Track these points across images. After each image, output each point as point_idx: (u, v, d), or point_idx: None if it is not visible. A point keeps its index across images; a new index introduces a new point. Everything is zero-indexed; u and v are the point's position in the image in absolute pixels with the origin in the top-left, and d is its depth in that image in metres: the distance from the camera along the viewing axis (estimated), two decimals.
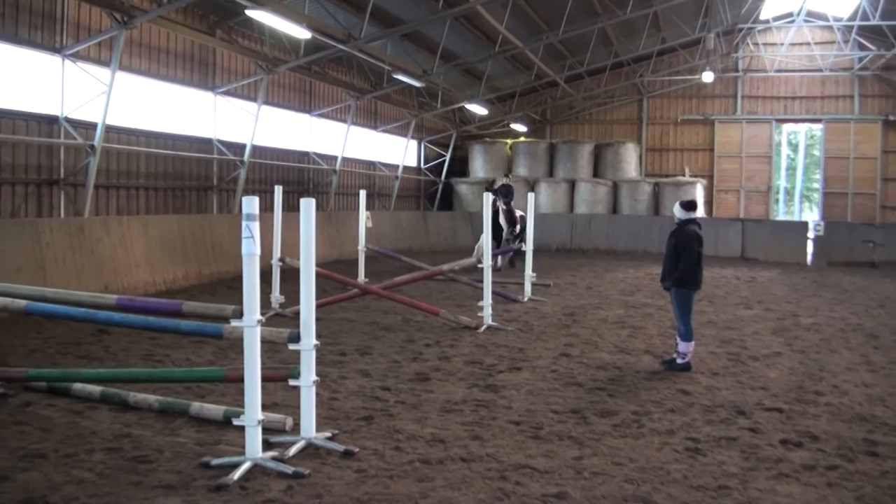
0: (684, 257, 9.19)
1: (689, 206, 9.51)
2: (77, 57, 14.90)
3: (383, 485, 5.46)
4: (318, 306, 6.26)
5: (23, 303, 7.40)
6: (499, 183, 20.63)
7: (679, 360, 9.27)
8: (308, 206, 6.02)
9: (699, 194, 30.81)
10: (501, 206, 19.62)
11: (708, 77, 29.61)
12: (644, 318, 13.09)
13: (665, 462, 6.05)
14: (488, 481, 5.57)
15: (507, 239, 19.93)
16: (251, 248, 5.54)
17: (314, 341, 5.99)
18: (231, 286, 16.00)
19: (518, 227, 19.83)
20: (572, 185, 32.62)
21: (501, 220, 19.61)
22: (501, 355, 9.93)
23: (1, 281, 8.17)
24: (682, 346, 9.26)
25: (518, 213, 20.08)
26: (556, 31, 23.87)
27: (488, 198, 13.68)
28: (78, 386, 7.57)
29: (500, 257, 18.78)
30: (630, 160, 33.34)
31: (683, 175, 33.00)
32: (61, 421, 6.89)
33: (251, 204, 5.58)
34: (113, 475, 5.59)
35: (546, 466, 5.88)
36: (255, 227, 5.54)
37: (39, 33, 14.27)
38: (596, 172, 33.31)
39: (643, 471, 5.85)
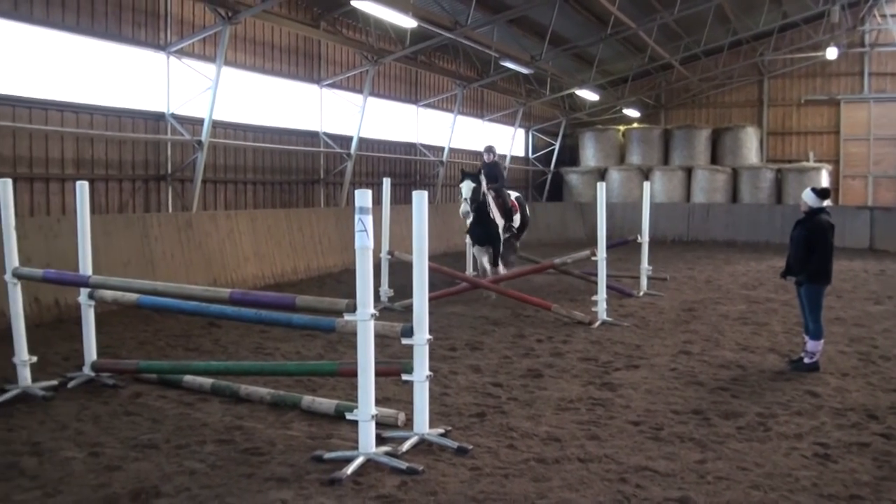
0: (818, 250, 8.67)
1: (823, 193, 8.98)
2: (182, 53, 15.22)
3: (499, 483, 5.30)
4: (428, 300, 6.12)
5: (134, 296, 7.56)
6: (484, 157, 15.23)
7: (807, 360, 8.77)
8: (420, 198, 5.88)
9: (824, 180, 29.31)
10: (490, 194, 14.03)
11: (832, 53, 28.23)
12: (768, 314, 12.51)
13: (793, 468, 5.69)
14: (607, 483, 5.35)
15: (505, 237, 14.62)
16: (364, 242, 5.46)
17: (427, 336, 5.85)
18: (339, 279, 16.14)
19: (517, 218, 15.04)
20: (689, 172, 31.58)
21: (493, 212, 13.90)
22: (617, 352, 9.63)
23: (110, 274, 8.34)
24: (812, 345, 8.75)
25: (512, 196, 15.18)
26: (670, 10, 23.08)
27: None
28: (189, 378, 7.68)
29: (491, 266, 14.01)
30: (750, 145, 32.05)
31: (807, 160, 31.49)
32: (172, 412, 7.00)
33: (364, 197, 5.49)
34: (225, 467, 5.61)
35: (667, 469, 5.61)
36: (369, 220, 5.47)
37: (144, 31, 14.62)
38: (714, 159, 32.16)
39: (770, 477, 5.51)
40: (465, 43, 20.89)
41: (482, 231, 13.72)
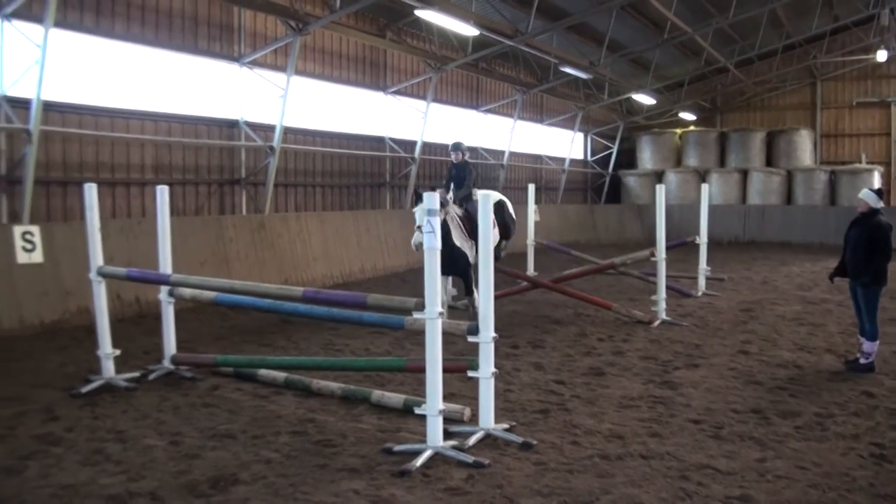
0: (880, 251, 8.64)
1: (881, 194, 8.98)
2: (254, 64, 15.73)
3: (563, 479, 5.45)
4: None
5: (211, 294, 7.90)
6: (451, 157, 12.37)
7: (863, 361, 8.76)
8: (486, 200, 6.07)
9: (876, 181, 28.90)
10: (453, 211, 11.12)
11: (882, 56, 27.77)
12: (823, 315, 12.47)
13: (850, 468, 5.75)
14: (669, 480, 5.46)
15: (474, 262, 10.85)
16: (433, 243, 5.65)
17: (492, 334, 6.03)
18: (404, 279, 16.46)
19: (496, 236, 11.39)
20: (744, 174, 31.31)
21: (458, 238, 10.95)
22: (677, 351, 9.71)
23: (187, 273, 8.72)
24: (868, 346, 8.74)
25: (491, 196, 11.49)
26: (725, 15, 22.96)
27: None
28: (263, 372, 8.02)
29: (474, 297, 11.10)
30: (804, 147, 31.73)
31: (860, 162, 31.00)
32: (248, 404, 7.31)
33: (432, 199, 5.69)
34: (299, 457, 5.86)
35: (728, 467, 5.71)
36: (437, 221, 5.65)
37: (218, 44, 15.19)
38: (768, 161, 31.90)
39: (828, 476, 5.59)
40: (525, 50, 21.04)
41: (445, 261, 10.70)
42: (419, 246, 9.55)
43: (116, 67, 13.68)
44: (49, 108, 12.08)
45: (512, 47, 20.37)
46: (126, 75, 13.83)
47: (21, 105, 11.67)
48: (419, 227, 9.85)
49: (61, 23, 12.11)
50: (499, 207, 12.07)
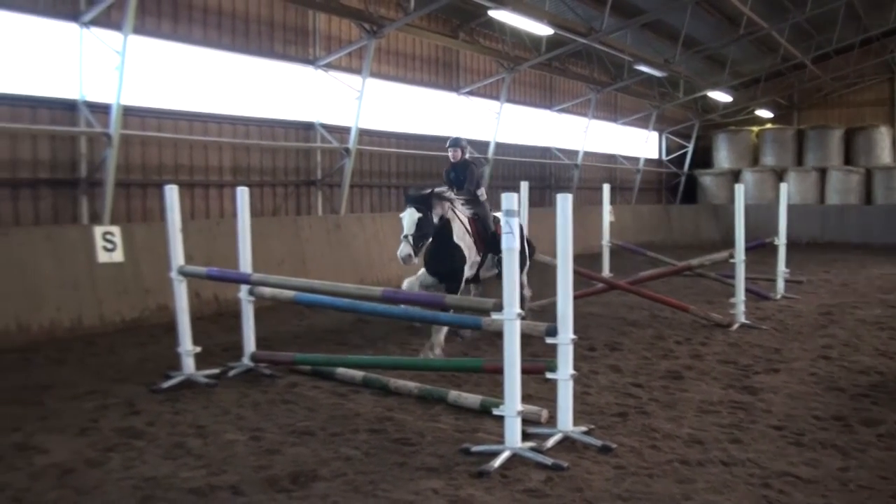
0: None
1: None
2: (329, 67, 15.92)
3: (643, 483, 5.36)
4: None
5: (290, 293, 8.00)
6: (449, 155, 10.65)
7: None
8: (564, 201, 6.00)
9: None
10: (457, 212, 9.74)
11: None
12: None
13: None
14: (750, 487, 5.33)
15: (488, 275, 10.42)
16: (511, 244, 5.61)
17: (571, 335, 5.97)
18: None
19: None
20: (822, 173, 30.48)
21: (461, 236, 9.65)
22: (756, 355, 9.48)
23: (265, 272, 8.84)
24: None
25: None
26: (802, 9, 22.48)
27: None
28: (341, 370, 8.09)
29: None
30: (883, 145, 30.80)
31: None
32: (326, 402, 7.38)
33: (511, 200, 5.65)
34: (378, 455, 5.88)
35: (810, 476, 5.54)
36: (515, 222, 5.62)
37: (294, 47, 15.45)
38: (847, 159, 30.96)
39: None
40: (599, 48, 20.86)
41: (438, 260, 9.61)
42: (406, 259, 8.87)
43: (194, 72, 13.98)
44: (128, 112, 12.41)
45: (586, 46, 20.20)
46: (204, 79, 14.13)
47: (101, 110, 12.03)
48: (406, 238, 8.92)
49: (139, 29, 12.44)
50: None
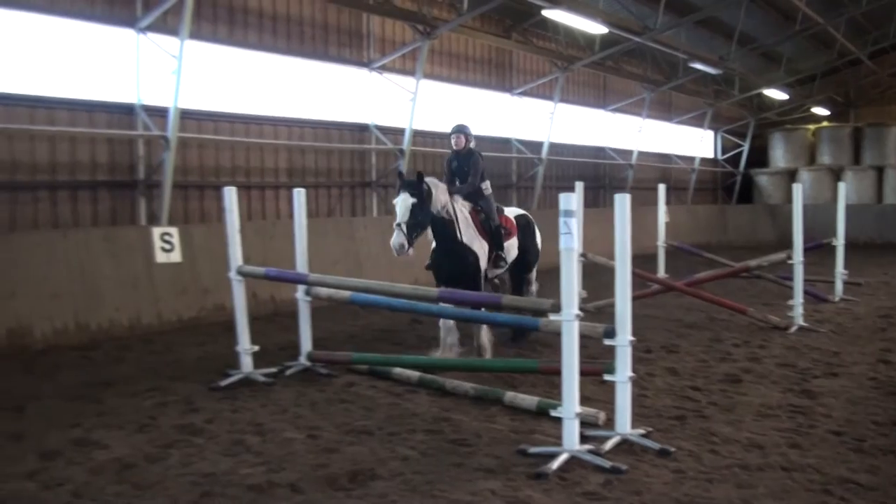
0: None
1: None
2: (383, 69, 16.01)
3: (703, 488, 5.27)
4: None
5: (346, 293, 8.04)
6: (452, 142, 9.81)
7: None
8: (622, 201, 5.95)
9: None
10: (460, 204, 9.12)
11: None
12: None
13: None
14: (811, 493, 5.21)
15: (494, 273, 9.76)
16: (569, 244, 5.57)
17: (630, 337, 5.91)
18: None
19: (513, 247, 9.94)
20: (880, 172, 29.84)
21: (467, 232, 8.98)
22: (815, 359, 9.28)
23: (320, 272, 8.90)
24: None
25: (510, 213, 10.31)
26: (857, 4, 22.02)
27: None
28: (397, 370, 8.10)
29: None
30: None
31: None
32: (383, 401, 7.40)
33: (569, 200, 5.61)
34: (435, 455, 5.88)
35: (871, 483, 5.40)
36: (573, 223, 5.57)
37: (348, 50, 15.56)
38: None
39: None
40: (653, 46, 20.67)
41: (450, 264, 8.94)
42: (400, 249, 8.17)
43: (250, 75, 14.16)
44: (186, 115, 12.61)
45: (639, 44, 20.04)
46: (259, 83, 14.30)
47: (158, 113, 12.25)
48: (399, 226, 8.23)
49: (196, 34, 12.66)
50: (528, 230, 10.35)
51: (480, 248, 9.07)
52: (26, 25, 11.43)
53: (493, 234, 9.39)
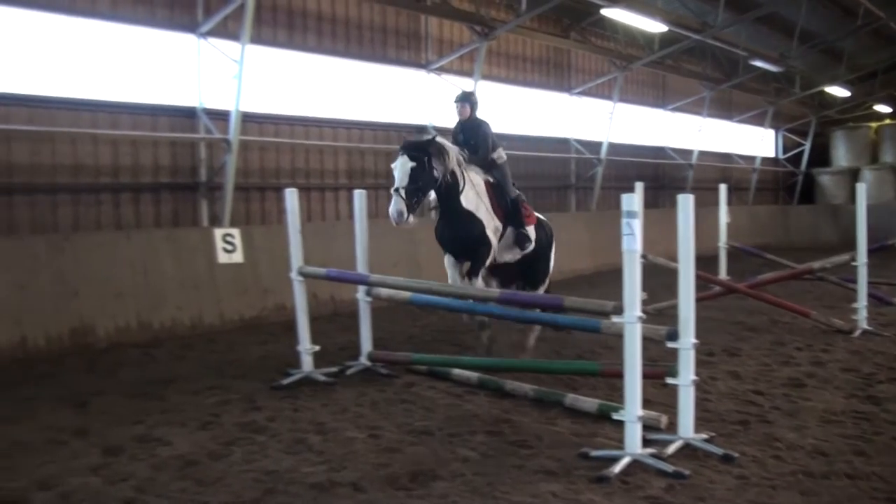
0: None
1: None
2: (441, 70, 16.04)
3: (767, 494, 5.18)
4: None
5: (406, 294, 8.07)
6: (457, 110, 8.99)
7: None
8: (685, 202, 5.87)
9: None
10: (466, 173, 8.29)
11: None
12: None
13: None
14: (876, 502, 5.09)
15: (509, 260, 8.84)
16: (632, 245, 5.52)
17: (693, 340, 5.84)
18: (591, 282, 16.31)
19: (531, 236, 8.87)
20: None
21: (475, 200, 8.26)
22: (879, 363, 9.02)
23: (380, 273, 8.96)
24: None
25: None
26: None
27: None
28: (457, 371, 8.10)
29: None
30: None
31: None
32: (443, 402, 7.41)
33: (631, 201, 5.56)
34: (495, 457, 5.86)
35: None
36: (636, 224, 5.51)
37: (406, 52, 15.64)
38: None
39: None
40: (713, 43, 20.41)
41: (452, 231, 8.29)
42: (398, 217, 7.58)
43: (309, 78, 14.32)
44: (246, 118, 12.80)
45: (699, 42, 19.79)
46: (319, 86, 14.45)
47: (220, 117, 12.46)
48: (397, 191, 7.63)
49: (256, 39, 12.83)
50: (545, 236, 9.38)
51: (488, 217, 8.30)
52: (90, 32, 11.73)
53: (511, 208, 8.64)
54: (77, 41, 11.63)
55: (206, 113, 12.63)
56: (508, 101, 18.49)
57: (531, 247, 8.82)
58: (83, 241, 10.75)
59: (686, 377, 5.86)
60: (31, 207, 11.14)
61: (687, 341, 5.81)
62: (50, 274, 10.17)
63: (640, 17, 16.15)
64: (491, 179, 8.70)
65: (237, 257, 11.83)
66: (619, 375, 5.74)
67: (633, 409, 5.57)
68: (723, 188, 14.49)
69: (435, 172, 7.85)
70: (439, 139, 8.06)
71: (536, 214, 9.26)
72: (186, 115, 12.65)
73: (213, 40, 12.47)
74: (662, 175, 24.61)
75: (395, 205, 7.58)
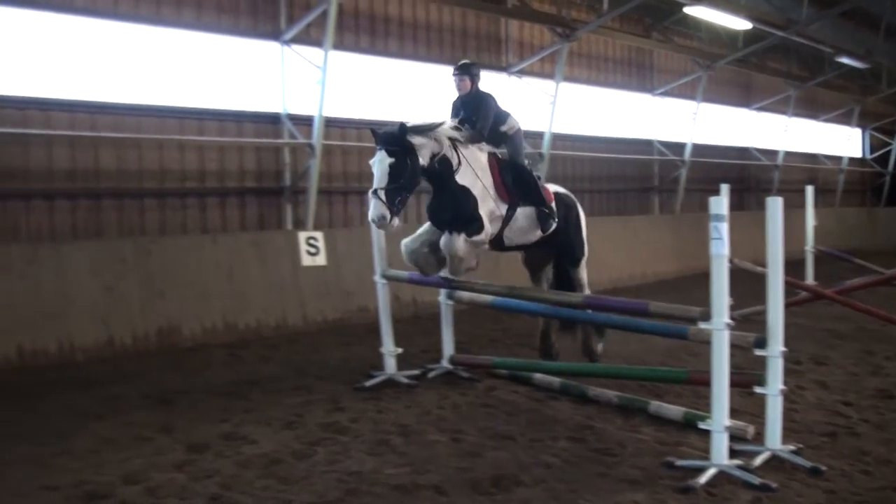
0: None
1: None
2: (521, 73, 16.04)
3: None
4: (762, 311, 5.94)
5: (488, 297, 8.08)
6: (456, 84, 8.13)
7: None
8: (775, 205, 5.73)
9: None
10: (462, 149, 7.54)
11: None
12: None
13: None
14: None
15: (496, 234, 7.82)
16: (720, 250, 5.43)
17: (781, 348, 5.71)
18: (675, 287, 16.03)
19: (555, 215, 8.22)
20: None
21: (470, 175, 7.47)
22: None
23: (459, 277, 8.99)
24: None
25: (549, 187, 8.56)
26: None
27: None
28: (539, 376, 8.08)
29: None
30: None
31: None
32: (525, 407, 7.40)
33: (719, 204, 5.47)
34: (578, 463, 5.82)
35: None
36: (724, 227, 5.42)
37: (486, 55, 15.65)
38: None
39: None
40: (797, 40, 19.91)
41: (440, 209, 7.58)
42: (380, 221, 6.81)
43: (391, 83, 14.45)
44: (329, 123, 12.97)
45: (783, 39, 19.34)
46: (400, 90, 14.57)
47: (304, 122, 12.67)
48: (376, 192, 6.84)
49: (339, 45, 12.97)
50: (570, 214, 8.65)
51: (483, 195, 7.46)
52: (176, 42, 12.09)
53: (526, 183, 7.89)
54: (163, 51, 11.99)
55: (290, 118, 12.86)
56: (590, 103, 18.36)
57: (554, 225, 8.13)
58: (170, 245, 11.09)
59: (774, 386, 5.73)
60: (118, 211, 11.52)
61: (775, 349, 5.69)
62: (137, 276, 10.52)
63: (724, 14, 15.92)
64: (499, 153, 8.02)
65: (321, 260, 12.01)
66: (707, 383, 5.64)
67: (720, 419, 5.48)
68: (809, 190, 14.13)
69: (420, 162, 7.09)
70: (422, 122, 7.27)
71: (555, 189, 8.63)
72: (271, 121, 12.90)
73: (296, 47, 12.70)
74: (747, 176, 24.10)
75: (375, 209, 6.80)
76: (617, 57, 18.91)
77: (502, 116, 8.13)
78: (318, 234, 12.11)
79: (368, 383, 8.15)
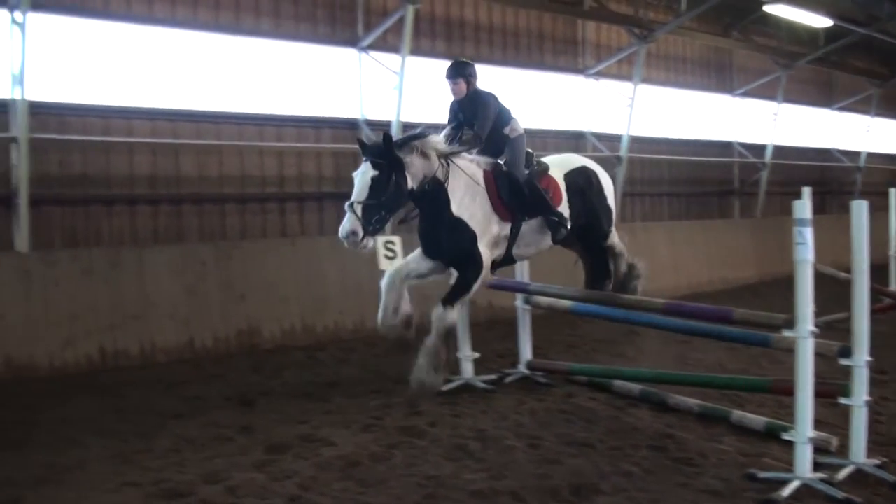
0: None
1: None
2: (598, 75, 15.94)
3: None
4: (847, 318, 5.79)
5: (567, 303, 8.05)
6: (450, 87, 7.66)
7: None
8: (860, 209, 5.60)
9: None
10: (459, 166, 7.12)
11: None
12: None
13: None
14: None
15: (502, 255, 7.55)
16: (804, 255, 5.33)
17: (867, 357, 5.56)
18: (756, 292, 15.71)
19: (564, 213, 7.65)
20: None
21: (460, 205, 7.09)
22: None
23: (537, 280, 8.98)
24: None
25: (555, 166, 7.96)
26: None
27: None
28: (618, 383, 8.00)
29: None
30: None
31: None
32: (604, 414, 7.34)
33: (803, 208, 5.37)
34: (659, 473, 5.75)
35: None
36: (808, 232, 5.32)
37: (562, 57, 15.61)
38: None
39: None
40: (880, 37, 19.33)
41: (432, 241, 7.26)
42: (351, 238, 6.38)
43: None
44: (407, 128, 13.04)
45: (865, 36, 18.81)
46: None
47: (381, 127, 12.77)
48: (351, 206, 6.37)
49: (415, 51, 13.10)
50: (590, 188, 7.91)
51: (484, 225, 7.06)
52: (255, 50, 12.35)
53: (528, 192, 7.33)
54: (243, 59, 12.27)
55: (368, 124, 13.01)
56: (669, 105, 18.14)
57: (565, 233, 7.59)
58: (249, 248, 11.34)
59: (859, 397, 5.57)
60: (199, 216, 11.84)
61: (860, 358, 5.56)
62: (217, 279, 10.78)
63: (804, 12, 15.60)
64: (500, 162, 7.41)
65: (398, 263, 12.06)
66: (790, 393, 5.52)
67: (803, 430, 5.35)
68: (893, 192, 13.72)
69: (406, 185, 6.64)
70: (417, 137, 6.85)
71: (571, 164, 8.07)
72: (349, 127, 13.08)
73: (373, 53, 12.87)
74: (829, 179, 23.49)
75: (347, 223, 6.33)
76: (695, 57, 18.63)
77: (505, 117, 7.61)
78: (396, 238, 12.15)
79: (446, 388, 8.12)
